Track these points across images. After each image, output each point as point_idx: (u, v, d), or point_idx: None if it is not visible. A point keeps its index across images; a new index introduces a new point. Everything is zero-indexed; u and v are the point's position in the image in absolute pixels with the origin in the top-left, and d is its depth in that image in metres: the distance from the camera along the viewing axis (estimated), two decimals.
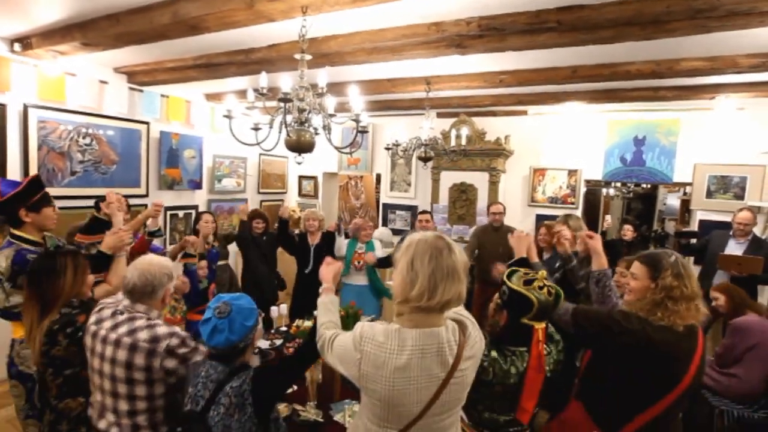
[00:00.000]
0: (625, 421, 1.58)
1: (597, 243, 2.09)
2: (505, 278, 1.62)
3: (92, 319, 1.68)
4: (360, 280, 4.09)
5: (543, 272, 1.61)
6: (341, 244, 4.15)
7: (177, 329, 1.65)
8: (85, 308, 1.84)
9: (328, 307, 1.53)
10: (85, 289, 1.93)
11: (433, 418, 1.24)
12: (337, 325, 1.46)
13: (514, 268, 1.68)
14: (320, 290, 1.61)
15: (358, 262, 4.02)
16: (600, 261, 2.04)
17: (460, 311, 1.39)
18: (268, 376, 1.45)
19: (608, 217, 5.28)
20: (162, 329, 1.61)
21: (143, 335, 1.57)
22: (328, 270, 1.67)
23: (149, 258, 1.75)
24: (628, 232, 4.54)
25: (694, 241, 4.28)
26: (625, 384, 1.60)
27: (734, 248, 3.71)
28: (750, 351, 2.60)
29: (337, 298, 1.61)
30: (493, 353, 1.54)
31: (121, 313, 1.65)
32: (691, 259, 4.46)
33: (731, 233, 3.76)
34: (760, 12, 2.09)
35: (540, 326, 1.54)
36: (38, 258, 1.95)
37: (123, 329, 1.59)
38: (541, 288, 1.54)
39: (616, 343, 1.59)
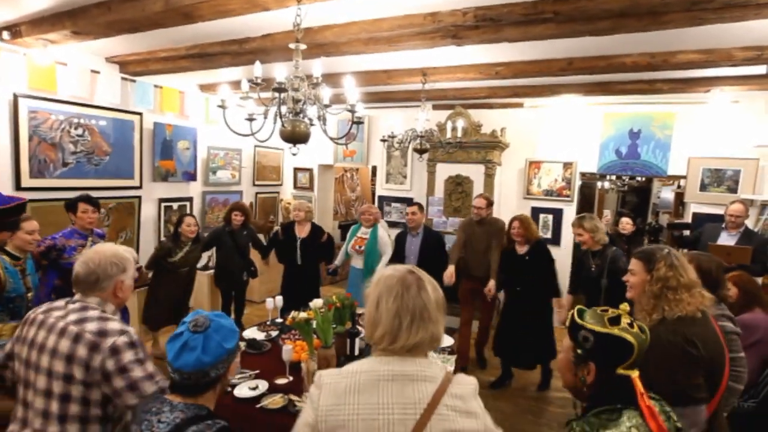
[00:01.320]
0: None
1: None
2: (577, 319, 1.25)
3: (41, 308, 1.55)
4: (359, 263, 4.11)
5: (626, 305, 1.25)
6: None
7: (131, 329, 1.49)
8: None
9: None
10: None
11: None
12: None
13: (581, 306, 1.32)
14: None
15: (359, 247, 4.04)
16: None
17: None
18: None
19: (607, 212, 5.27)
20: (113, 324, 1.46)
21: (91, 326, 1.43)
22: None
23: (99, 247, 1.61)
24: (627, 225, 4.52)
25: (687, 233, 4.32)
26: (680, 386, 1.52)
27: (726, 240, 3.75)
28: (749, 347, 2.64)
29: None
30: (593, 420, 1.15)
31: (74, 303, 1.53)
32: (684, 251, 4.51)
33: (723, 225, 3.80)
34: (756, 4, 2.09)
35: (635, 374, 1.19)
36: None
37: (72, 317, 1.46)
38: (630, 326, 1.20)
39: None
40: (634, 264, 1.79)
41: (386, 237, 4.20)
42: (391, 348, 1.06)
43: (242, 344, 2.70)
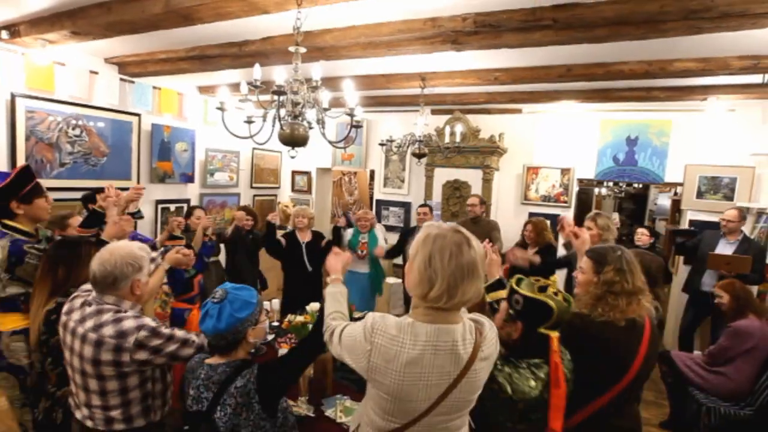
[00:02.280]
0: (574, 410, 1.59)
1: (582, 244, 2.08)
2: (514, 286, 1.52)
3: (64, 308, 1.61)
4: (363, 268, 4.16)
5: (555, 277, 1.54)
6: (348, 236, 4.23)
7: (146, 321, 1.55)
8: None
9: (336, 298, 1.47)
10: None
11: (440, 417, 1.19)
12: (345, 316, 1.42)
13: (519, 276, 1.57)
14: (328, 280, 1.56)
15: (362, 251, 4.08)
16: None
17: (478, 316, 1.33)
18: (272, 373, 1.41)
19: (616, 216, 4.98)
20: (129, 323, 1.51)
21: (108, 330, 1.48)
22: (337, 260, 1.62)
23: (113, 246, 1.63)
24: (644, 237, 4.19)
25: (695, 216, 4.31)
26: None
27: (725, 248, 3.76)
28: (745, 353, 2.64)
29: (345, 289, 1.54)
30: (506, 368, 1.42)
31: (90, 305, 1.56)
32: (681, 258, 4.52)
33: (722, 233, 3.81)
34: (753, 14, 2.10)
35: (555, 335, 1.45)
36: (58, 246, 1.93)
37: (89, 324, 1.51)
38: (555, 294, 1.46)
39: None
40: (585, 262, 1.77)
41: (383, 238, 4.30)
42: (446, 305, 1.14)
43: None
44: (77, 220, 2.68)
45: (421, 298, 1.17)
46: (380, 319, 1.20)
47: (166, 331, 1.55)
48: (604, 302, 1.63)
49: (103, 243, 2.18)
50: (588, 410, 1.61)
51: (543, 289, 1.47)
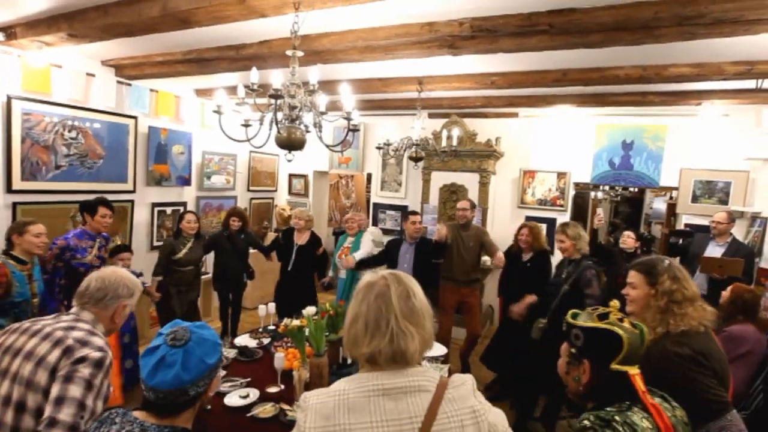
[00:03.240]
0: None
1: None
2: (570, 320, 1.27)
3: (31, 319, 1.52)
4: (344, 273, 4.10)
5: (616, 302, 1.26)
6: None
7: (110, 354, 1.41)
8: None
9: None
10: None
11: None
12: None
13: (575, 310, 1.31)
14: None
15: (344, 256, 4.02)
16: None
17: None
18: None
19: (600, 211, 4.94)
20: (98, 340, 1.41)
21: (77, 334, 1.40)
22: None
23: (116, 268, 1.63)
24: (629, 240, 4.13)
25: (688, 220, 4.34)
26: (703, 397, 1.45)
27: (714, 250, 3.80)
28: (739, 358, 2.65)
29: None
30: (597, 421, 1.10)
31: (68, 315, 1.51)
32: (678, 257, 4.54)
33: (711, 236, 3.85)
34: (746, 20, 2.13)
35: (635, 372, 1.16)
36: None
37: (63, 324, 1.44)
38: (620, 320, 1.19)
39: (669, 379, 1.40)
40: (635, 277, 1.70)
41: (369, 241, 4.15)
42: (394, 365, 0.97)
43: (233, 352, 2.67)
44: (38, 228, 2.63)
45: (363, 360, 1.01)
46: (314, 390, 1.04)
47: (104, 388, 1.37)
48: (671, 314, 1.55)
49: None
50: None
51: (604, 317, 1.22)
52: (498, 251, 3.82)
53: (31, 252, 2.62)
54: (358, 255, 3.95)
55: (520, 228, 3.70)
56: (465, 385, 1.02)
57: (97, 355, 1.36)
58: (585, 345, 1.21)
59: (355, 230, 4.16)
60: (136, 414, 1.08)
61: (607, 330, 1.16)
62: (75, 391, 1.28)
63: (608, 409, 1.13)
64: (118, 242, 4.04)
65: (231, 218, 4.27)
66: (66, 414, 1.24)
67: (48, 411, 1.25)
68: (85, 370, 1.32)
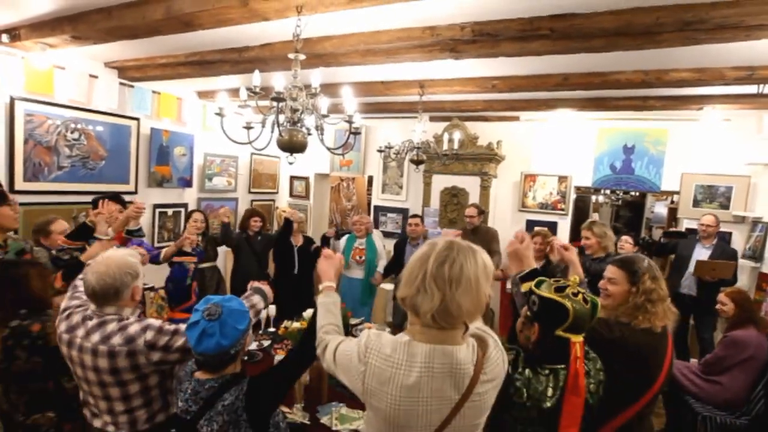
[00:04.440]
0: (601, 423, 1.57)
1: (572, 254, 2.05)
2: (533, 287, 1.44)
3: (62, 327, 1.57)
4: (358, 274, 4.11)
5: (576, 278, 1.44)
6: (337, 246, 4.17)
7: (150, 321, 1.55)
8: (36, 317, 1.78)
9: (329, 308, 1.40)
10: (47, 297, 1.89)
11: None
12: (339, 329, 1.35)
13: (541, 278, 1.48)
14: (320, 287, 1.47)
15: (360, 257, 4.04)
16: (577, 271, 1.93)
17: (484, 327, 1.26)
18: (263, 389, 1.35)
19: (596, 216, 4.92)
20: (134, 327, 1.51)
21: (117, 340, 1.48)
22: (329, 264, 1.51)
23: (106, 257, 1.59)
24: (627, 245, 4.17)
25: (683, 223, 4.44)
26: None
27: (702, 252, 3.92)
28: (741, 363, 2.65)
29: (338, 297, 1.47)
30: (527, 372, 1.35)
31: (90, 318, 1.55)
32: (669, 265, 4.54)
33: (697, 238, 3.97)
34: (747, 26, 2.13)
35: (578, 339, 1.35)
36: None
37: (96, 337, 1.49)
38: (575, 295, 1.36)
39: (599, 352, 1.54)
40: (615, 273, 1.75)
41: (381, 245, 4.25)
42: (442, 324, 1.08)
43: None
44: (61, 225, 2.65)
45: (415, 314, 1.11)
46: (375, 338, 1.15)
47: (170, 327, 1.55)
48: (643, 311, 1.63)
49: (81, 264, 2.13)
50: (616, 422, 1.58)
51: (561, 290, 1.38)
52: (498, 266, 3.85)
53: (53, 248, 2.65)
54: (380, 267, 4.15)
55: (533, 237, 3.69)
56: (497, 363, 1.16)
57: (150, 334, 1.50)
58: (538, 311, 1.39)
59: (364, 233, 4.18)
60: (196, 375, 1.38)
61: (559, 302, 1.34)
62: (179, 341, 1.51)
63: (543, 364, 1.35)
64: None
65: (252, 219, 4.15)
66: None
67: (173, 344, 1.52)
68: (162, 339, 1.51)
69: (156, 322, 1.55)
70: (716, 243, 3.91)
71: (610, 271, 1.78)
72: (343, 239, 4.34)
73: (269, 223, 6.27)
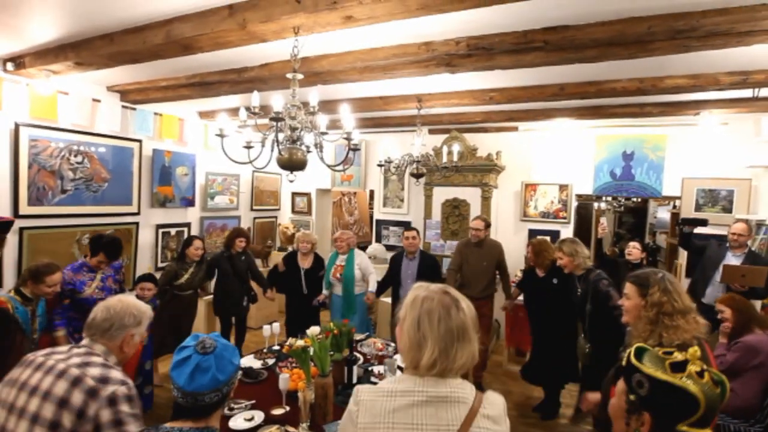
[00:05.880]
0: None
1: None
2: (633, 359, 1.05)
3: (42, 351, 1.49)
4: (339, 290, 4.08)
5: (696, 349, 1.00)
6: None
7: (131, 383, 1.44)
8: None
9: None
10: None
11: None
12: None
13: (641, 344, 1.10)
14: None
15: (339, 275, 4.01)
16: None
17: None
18: None
19: (603, 220, 4.77)
20: (116, 373, 1.42)
21: (94, 371, 1.38)
22: None
23: (123, 296, 1.63)
24: (635, 251, 4.09)
25: (703, 230, 4.05)
26: None
27: (731, 261, 3.64)
28: (753, 369, 2.60)
29: None
30: None
31: (79, 347, 1.50)
32: (684, 271, 4.49)
33: (727, 245, 3.70)
34: (738, 32, 2.16)
35: None
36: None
37: (76, 360, 1.41)
38: (700, 375, 0.97)
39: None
40: (628, 288, 1.79)
41: (366, 260, 4.17)
42: (440, 373, 1.07)
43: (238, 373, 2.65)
44: (57, 278, 2.60)
45: (414, 367, 1.11)
46: (367, 385, 1.16)
47: (138, 409, 1.42)
48: (661, 325, 1.60)
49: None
50: None
51: (679, 368, 0.99)
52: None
53: (39, 295, 2.64)
54: (371, 287, 4.08)
55: (528, 246, 3.73)
56: (499, 405, 1.11)
57: (123, 390, 1.38)
58: (650, 396, 1.00)
59: (345, 249, 4.14)
60: (170, 425, 1.17)
61: (681, 388, 0.96)
62: (131, 427, 1.35)
63: None
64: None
65: (237, 239, 4.19)
66: None
67: None
68: (125, 407, 1.37)
69: (134, 390, 1.44)
70: (747, 252, 3.62)
71: (626, 286, 1.82)
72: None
73: (271, 239, 6.32)
